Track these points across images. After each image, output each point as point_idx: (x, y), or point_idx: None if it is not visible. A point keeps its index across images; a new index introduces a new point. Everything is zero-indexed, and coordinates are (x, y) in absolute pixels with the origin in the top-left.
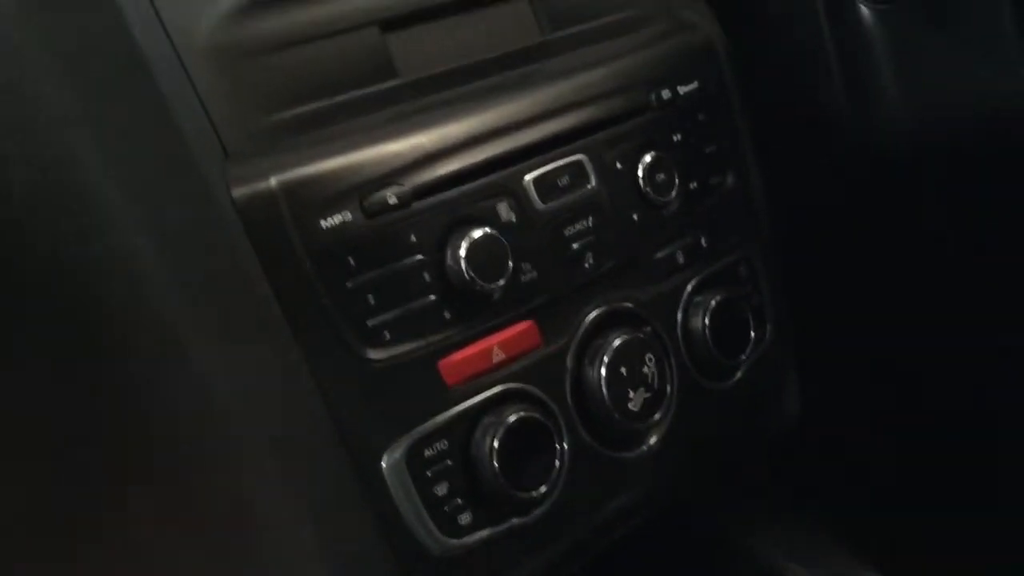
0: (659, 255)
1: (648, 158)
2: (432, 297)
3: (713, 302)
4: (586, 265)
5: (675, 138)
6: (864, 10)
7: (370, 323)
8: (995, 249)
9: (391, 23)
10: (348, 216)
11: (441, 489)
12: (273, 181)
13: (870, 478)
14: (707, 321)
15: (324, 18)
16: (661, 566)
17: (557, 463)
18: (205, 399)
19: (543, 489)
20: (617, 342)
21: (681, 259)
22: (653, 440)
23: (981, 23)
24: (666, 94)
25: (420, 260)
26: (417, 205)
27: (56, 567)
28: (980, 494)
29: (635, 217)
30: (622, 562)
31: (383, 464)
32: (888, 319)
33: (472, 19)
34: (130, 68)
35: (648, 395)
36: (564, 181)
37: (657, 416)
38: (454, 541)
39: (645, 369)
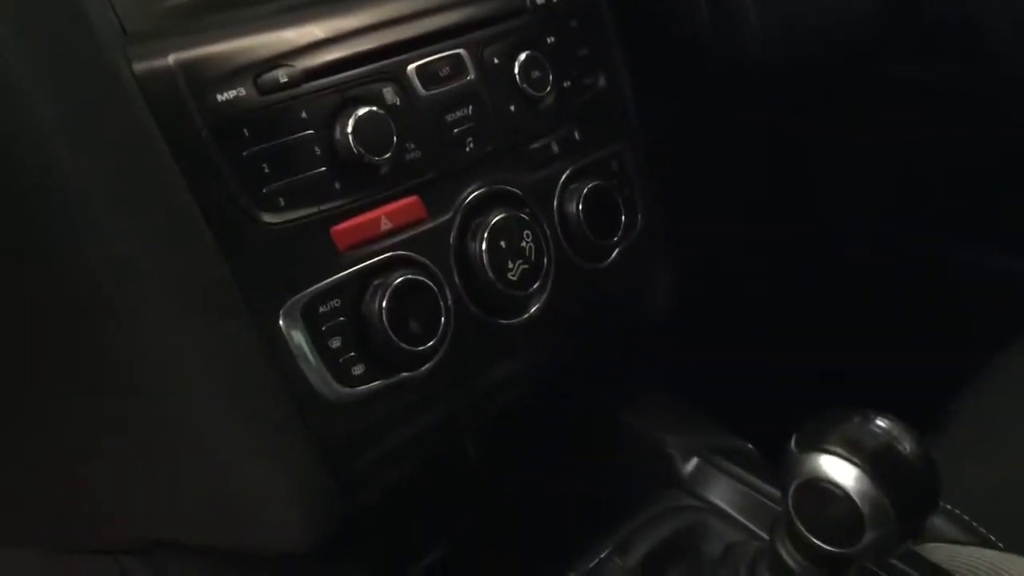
0: (536, 145)
1: (523, 56)
2: (323, 168)
3: (586, 188)
4: (467, 149)
5: (549, 40)
6: None
7: (265, 190)
8: (837, 146)
9: None
10: (242, 92)
11: (335, 343)
12: (171, 59)
13: (732, 358)
14: (580, 206)
15: None
16: (544, 442)
17: (442, 320)
18: (113, 259)
19: (430, 344)
20: (497, 218)
21: (556, 149)
22: (533, 309)
23: None
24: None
25: (311, 135)
26: (307, 86)
27: None
28: (830, 377)
29: (512, 108)
30: (509, 439)
31: (281, 319)
32: (748, 219)
33: None
34: None
35: (526, 267)
36: (445, 71)
37: (535, 286)
38: (348, 390)
39: (523, 244)
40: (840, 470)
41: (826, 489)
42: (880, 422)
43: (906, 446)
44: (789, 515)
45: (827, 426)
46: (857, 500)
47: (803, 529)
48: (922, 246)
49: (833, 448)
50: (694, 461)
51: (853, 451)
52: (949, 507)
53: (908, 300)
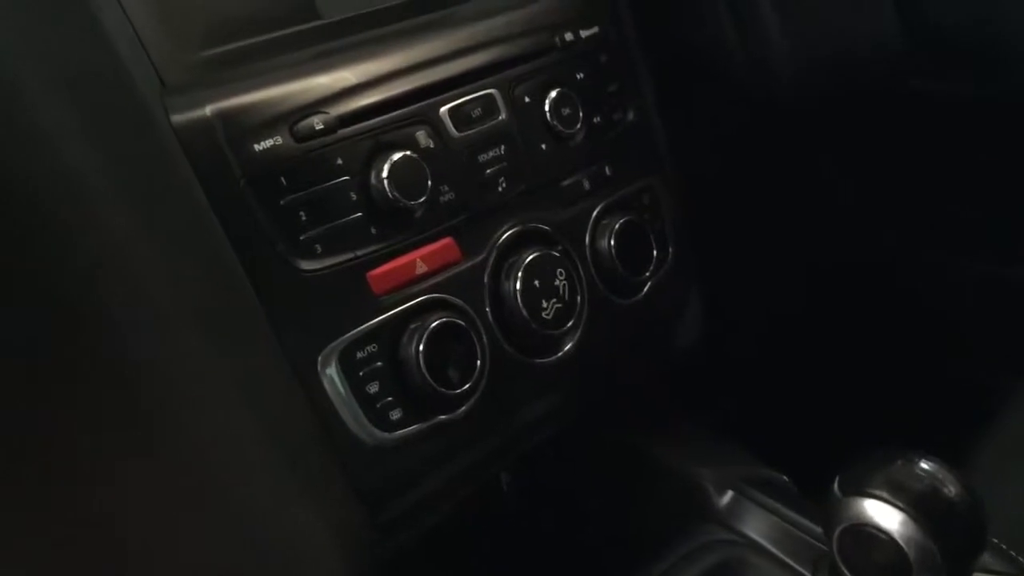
0: (567, 182)
1: (554, 94)
2: (359, 214)
3: (618, 224)
4: (499, 188)
5: (578, 76)
6: None
7: (302, 237)
8: (865, 169)
9: None
10: (279, 140)
11: (373, 387)
12: (208, 109)
13: (765, 390)
14: (612, 241)
15: None
16: (577, 477)
17: (479, 363)
18: (150, 307)
19: (466, 387)
20: (530, 257)
21: (587, 185)
22: (567, 347)
23: None
24: (569, 36)
25: (347, 180)
26: (343, 131)
27: None
28: (861, 403)
29: (543, 147)
30: (542, 474)
31: (319, 365)
32: (779, 243)
33: None
34: (72, 4)
35: (560, 305)
36: (477, 112)
37: (569, 324)
38: (386, 435)
39: (557, 282)
40: (885, 515)
41: (872, 534)
42: (924, 464)
43: (951, 489)
44: (834, 560)
45: (870, 469)
46: (904, 545)
47: (849, 574)
48: (959, 270)
49: (878, 492)
50: (729, 494)
51: (898, 495)
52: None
53: (937, 323)
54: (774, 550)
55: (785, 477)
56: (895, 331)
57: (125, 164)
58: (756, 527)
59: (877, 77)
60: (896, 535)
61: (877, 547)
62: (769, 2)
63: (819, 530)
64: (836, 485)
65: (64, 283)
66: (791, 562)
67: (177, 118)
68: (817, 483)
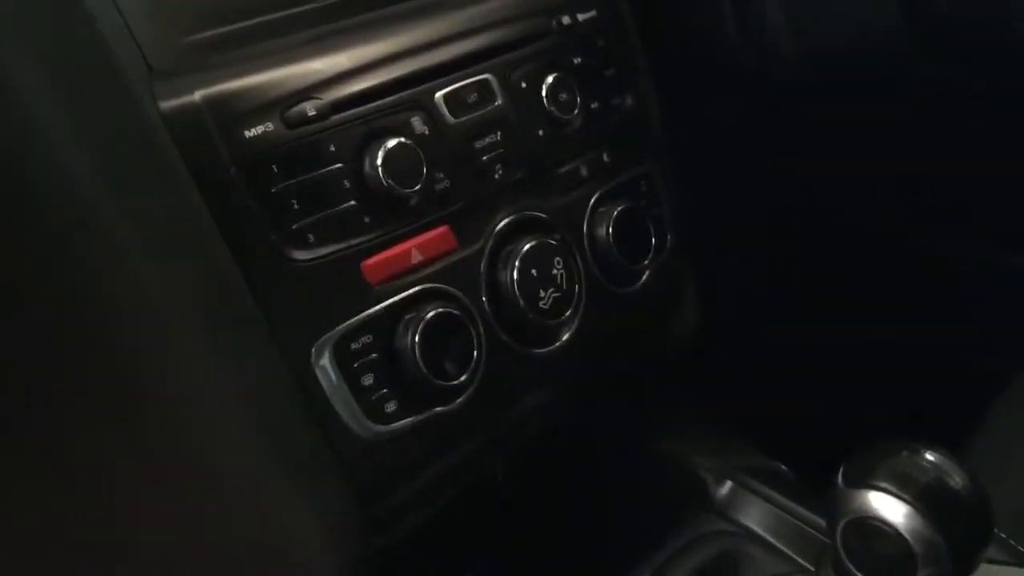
0: (564, 168)
1: (551, 79)
2: (353, 202)
3: (616, 212)
4: (496, 175)
5: (576, 61)
6: None
7: (295, 226)
8: (866, 154)
9: None
10: (270, 127)
11: (367, 379)
12: (198, 95)
13: (764, 378)
14: (610, 229)
15: None
16: (573, 466)
17: (475, 353)
18: (141, 298)
19: (463, 378)
20: (527, 246)
21: (585, 172)
22: (565, 337)
23: None
24: (566, 20)
25: (340, 168)
26: (335, 118)
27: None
28: (862, 392)
29: (540, 133)
30: (537, 463)
31: (313, 357)
32: (775, 233)
33: None
34: None
35: (557, 294)
36: (473, 98)
37: (567, 313)
38: (381, 427)
39: (554, 271)
40: (890, 507)
41: (877, 527)
42: (929, 456)
43: (957, 480)
44: (838, 553)
45: (875, 460)
46: (909, 538)
47: (853, 568)
48: (960, 255)
49: (882, 484)
50: (728, 484)
51: (903, 487)
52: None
53: (939, 311)
54: (774, 541)
55: (785, 467)
56: (896, 319)
57: (113, 153)
58: (756, 518)
59: (879, 65)
60: (901, 528)
61: (882, 540)
62: (777, 6)
63: (821, 522)
64: (840, 476)
65: (55, 277)
66: (792, 554)
67: (165, 104)
68: (819, 473)
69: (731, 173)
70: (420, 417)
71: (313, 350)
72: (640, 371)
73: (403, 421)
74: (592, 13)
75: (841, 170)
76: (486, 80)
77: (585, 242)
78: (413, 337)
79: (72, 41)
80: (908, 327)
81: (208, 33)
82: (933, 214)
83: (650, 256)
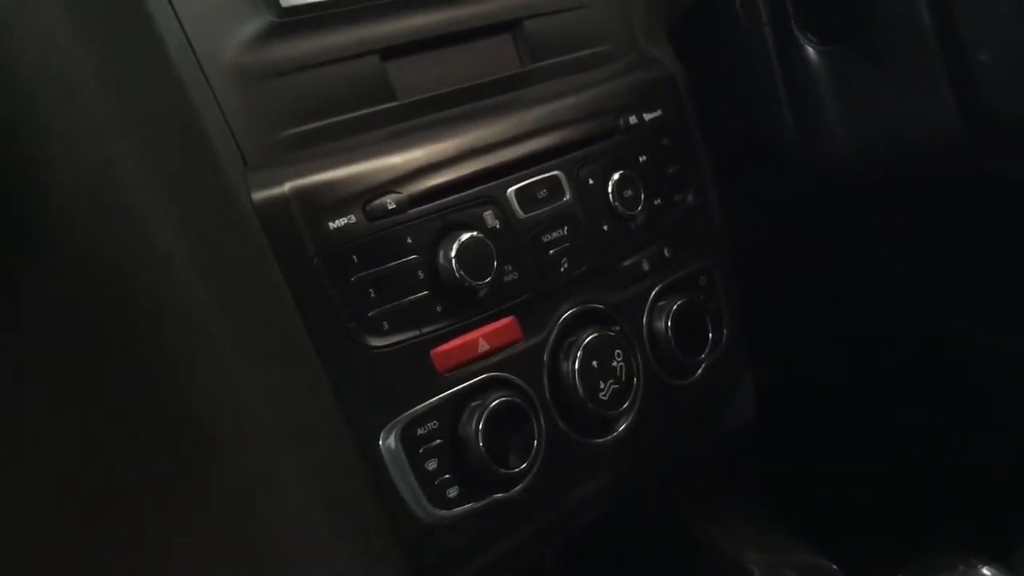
0: (627, 263)
1: (617, 176)
2: (425, 292)
3: (675, 306)
4: (561, 269)
5: (641, 159)
6: (809, 50)
7: (370, 314)
8: (928, 261)
9: (390, 52)
10: (352, 219)
11: (431, 465)
12: (287, 187)
13: (819, 473)
14: (669, 323)
15: (332, 46)
16: (621, 553)
17: (535, 443)
18: (223, 378)
19: (523, 466)
20: (589, 338)
21: (646, 267)
22: (622, 428)
23: (914, 63)
24: (633, 120)
25: (415, 259)
26: (413, 211)
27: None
28: (915, 487)
29: (605, 228)
30: (591, 553)
31: (381, 441)
32: (832, 328)
33: (461, 50)
34: (165, 85)
35: (616, 386)
36: (543, 194)
37: (625, 405)
38: (443, 512)
39: (614, 363)
40: None
41: None
42: (987, 572)
43: None
44: None
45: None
46: None
47: None
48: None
49: None
50: None
51: None
52: None
53: (993, 408)
54: None
55: (835, 566)
56: (948, 415)
57: (210, 241)
58: None
59: (935, 162)
60: None
61: None
62: (830, 89)
63: None
64: None
65: (148, 359)
66: None
67: (258, 195)
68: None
69: (787, 268)
70: (480, 503)
71: (382, 434)
72: (695, 462)
73: (464, 507)
74: (658, 113)
75: (897, 263)
76: (556, 177)
77: (644, 335)
78: (477, 425)
79: (178, 139)
80: (961, 422)
81: (299, 129)
82: (997, 312)
83: (707, 350)
